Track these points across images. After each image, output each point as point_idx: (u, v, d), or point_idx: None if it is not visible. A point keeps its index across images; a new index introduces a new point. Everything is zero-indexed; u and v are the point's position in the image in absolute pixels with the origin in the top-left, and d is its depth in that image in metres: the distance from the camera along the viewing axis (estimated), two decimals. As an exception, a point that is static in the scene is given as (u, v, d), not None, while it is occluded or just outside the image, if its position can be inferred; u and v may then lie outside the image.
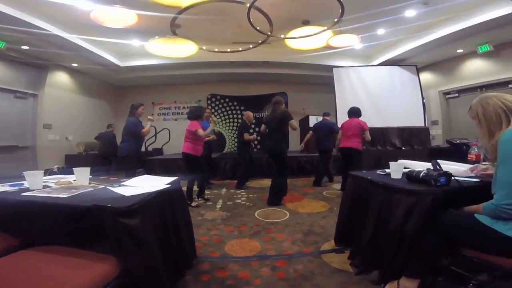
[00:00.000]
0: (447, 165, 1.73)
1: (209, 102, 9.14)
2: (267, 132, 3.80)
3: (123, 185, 1.64)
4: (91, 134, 7.51)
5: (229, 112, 9.22)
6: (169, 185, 1.63)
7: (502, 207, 1.05)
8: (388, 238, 1.47)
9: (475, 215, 1.18)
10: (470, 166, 1.72)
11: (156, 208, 1.39)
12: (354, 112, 4.35)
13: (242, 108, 9.04)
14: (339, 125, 4.95)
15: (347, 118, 4.44)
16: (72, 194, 1.38)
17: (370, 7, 4.55)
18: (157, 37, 4.84)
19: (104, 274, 1.01)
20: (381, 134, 6.41)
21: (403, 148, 6.39)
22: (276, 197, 3.71)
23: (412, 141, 6.49)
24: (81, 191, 1.45)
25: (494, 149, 1.16)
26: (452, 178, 1.41)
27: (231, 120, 9.27)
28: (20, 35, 4.63)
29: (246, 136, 4.88)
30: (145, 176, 1.97)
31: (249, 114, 5.10)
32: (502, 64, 5.75)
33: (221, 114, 9.24)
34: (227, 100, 9.14)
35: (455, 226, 1.24)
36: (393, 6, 4.51)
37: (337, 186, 4.93)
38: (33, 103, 6.29)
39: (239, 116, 9.13)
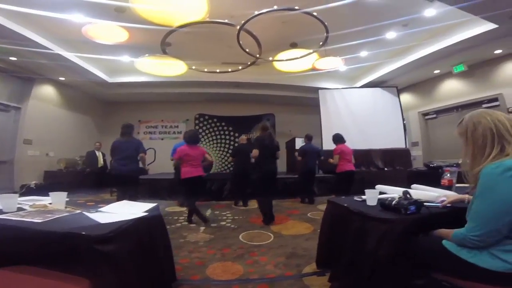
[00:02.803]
0: (420, 191, 1.80)
1: (197, 121, 9.13)
2: (257, 157, 3.87)
3: (100, 211, 1.61)
4: (73, 150, 7.33)
5: (217, 132, 9.20)
6: (146, 213, 1.61)
7: (470, 238, 1.11)
8: (364, 262, 1.51)
9: (443, 241, 1.24)
10: (445, 192, 1.76)
11: (133, 234, 1.38)
12: (343, 138, 4.71)
13: (230, 128, 9.07)
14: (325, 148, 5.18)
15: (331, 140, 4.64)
16: (47, 219, 1.35)
17: (353, 27, 4.62)
18: (147, 55, 4.91)
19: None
20: (365, 156, 6.56)
21: (386, 169, 6.55)
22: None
23: (394, 162, 6.68)
24: (56, 216, 1.42)
25: (475, 178, 1.16)
26: (425, 204, 1.49)
27: (219, 140, 9.21)
28: (10, 46, 4.54)
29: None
30: (124, 201, 1.94)
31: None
32: (476, 84, 5.85)
33: (209, 134, 9.20)
34: (215, 120, 9.17)
35: (425, 252, 1.30)
36: (375, 24, 4.61)
37: (322, 207, 4.95)
38: (15, 116, 6.12)
39: (227, 137, 9.13)
